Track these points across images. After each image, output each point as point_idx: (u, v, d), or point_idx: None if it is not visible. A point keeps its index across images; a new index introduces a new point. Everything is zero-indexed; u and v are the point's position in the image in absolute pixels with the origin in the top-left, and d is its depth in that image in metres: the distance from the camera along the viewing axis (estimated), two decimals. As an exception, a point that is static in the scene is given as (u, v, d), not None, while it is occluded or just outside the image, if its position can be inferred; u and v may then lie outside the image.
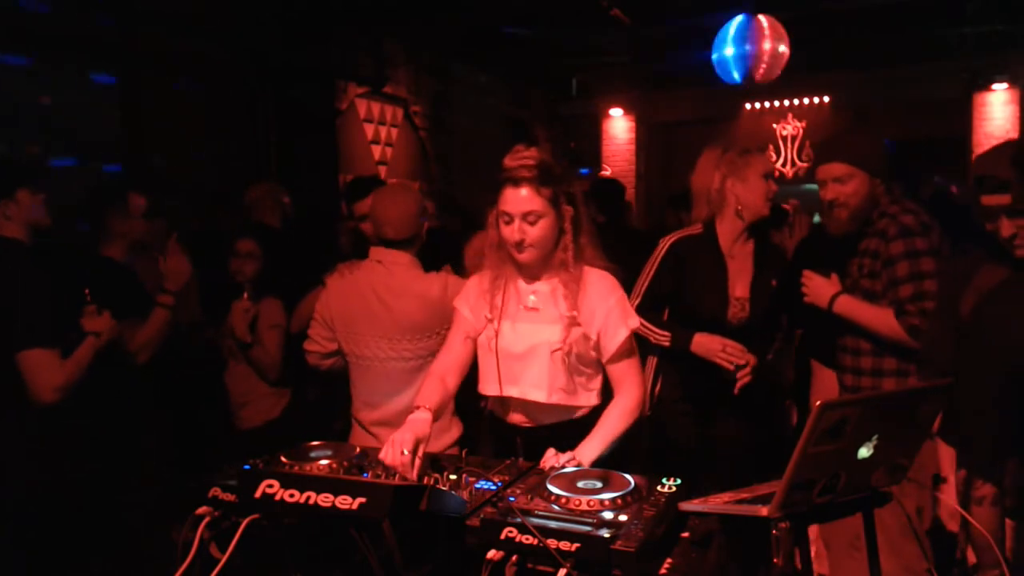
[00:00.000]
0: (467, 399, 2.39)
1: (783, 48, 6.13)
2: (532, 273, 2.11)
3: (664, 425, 2.76)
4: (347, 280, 2.61)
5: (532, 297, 2.09)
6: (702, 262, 2.68)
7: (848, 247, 2.57)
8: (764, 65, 6.03)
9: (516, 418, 2.14)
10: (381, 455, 1.72)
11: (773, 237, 3.34)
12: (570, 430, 2.04)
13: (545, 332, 2.05)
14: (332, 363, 2.68)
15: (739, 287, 2.67)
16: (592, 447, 1.95)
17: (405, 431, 1.77)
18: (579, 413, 2.11)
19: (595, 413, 2.09)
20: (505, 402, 2.13)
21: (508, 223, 2.02)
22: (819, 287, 2.53)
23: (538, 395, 2.06)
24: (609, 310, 2.06)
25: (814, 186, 2.65)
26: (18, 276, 2.36)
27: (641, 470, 1.68)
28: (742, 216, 2.67)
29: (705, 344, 2.59)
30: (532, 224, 1.99)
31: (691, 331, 2.62)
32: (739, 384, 2.55)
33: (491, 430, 2.26)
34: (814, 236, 3.74)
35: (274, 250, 3.59)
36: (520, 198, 1.98)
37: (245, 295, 3.24)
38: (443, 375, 2.11)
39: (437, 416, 1.97)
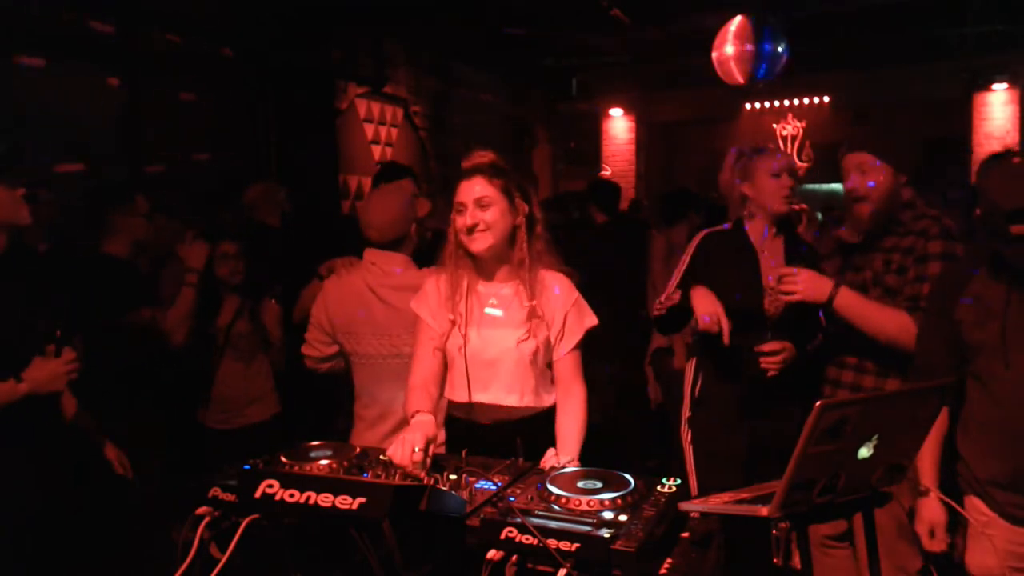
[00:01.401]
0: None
1: (782, 48, 6.14)
2: (489, 272, 2.14)
3: (704, 426, 2.76)
4: (344, 281, 2.63)
5: (493, 301, 2.13)
6: (732, 255, 2.70)
7: (863, 245, 2.53)
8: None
9: (481, 418, 2.14)
10: (390, 453, 1.73)
11: None
12: (533, 425, 2.09)
13: (511, 337, 2.08)
14: (330, 366, 2.69)
15: (774, 277, 2.67)
16: (572, 447, 2.01)
17: (414, 431, 1.79)
18: (542, 410, 2.14)
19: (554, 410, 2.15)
20: (472, 405, 2.14)
21: (461, 212, 2.07)
22: (815, 279, 2.39)
23: (510, 399, 2.10)
24: (567, 312, 2.12)
25: (815, 186, 2.65)
26: None
27: (676, 471, 1.68)
28: (762, 215, 2.70)
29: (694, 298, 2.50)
30: (484, 208, 2.05)
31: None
32: (766, 366, 2.52)
33: (450, 430, 2.23)
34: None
35: (274, 250, 3.60)
36: (472, 187, 2.07)
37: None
38: (425, 384, 2.12)
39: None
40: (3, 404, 2.09)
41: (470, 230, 2.05)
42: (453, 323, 2.12)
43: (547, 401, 2.15)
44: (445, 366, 2.17)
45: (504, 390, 2.10)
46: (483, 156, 2.12)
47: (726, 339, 2.35)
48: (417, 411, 1.96)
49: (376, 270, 2.57)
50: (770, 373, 2.53)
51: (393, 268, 2.57)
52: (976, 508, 2.02)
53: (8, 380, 2.10)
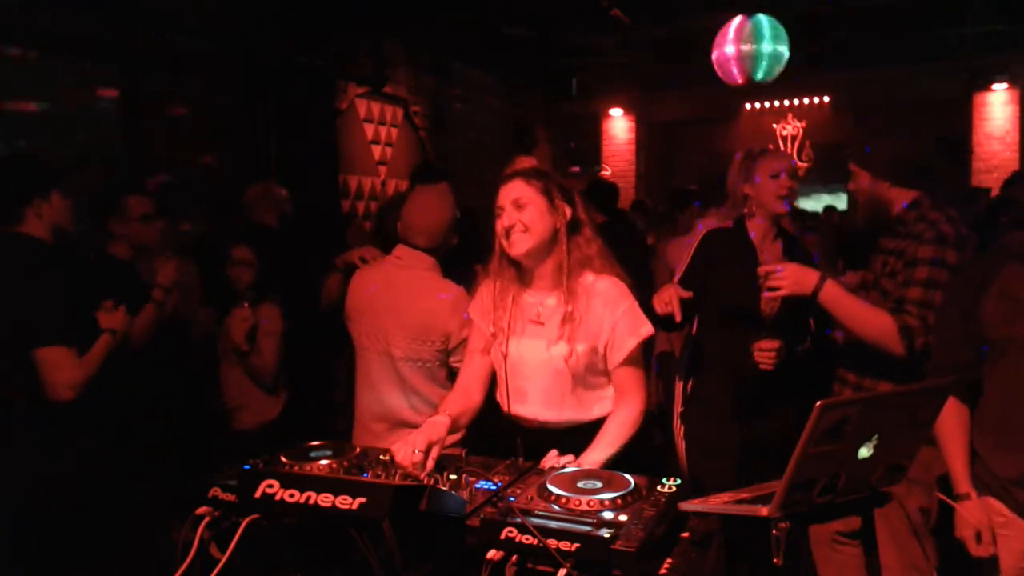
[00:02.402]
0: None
1: (782, 48, 6.14)
2: (533, 279, 2.09)
3: (696, 421, 2.76)
4: (365, 271, 2.67)
5: (538, 310, 2.07)
6: (733, 253, 2.72)
7: (864, 246, 2.58)
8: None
9: (531, 422, 2.12)
10: (393, 451, 1.74)
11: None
12: (585, 432, 2.02)
13: (553, 349, 2.03)
14: None
15: (760, 275, 2.68)
16: (595, 457, 1.93)
17: (419, 432, 1.79)
18: (594, 418, 2.08)
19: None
20: (514, 417, 2.13)
21: (499, 216, 2.04)
22: (800, 273, 2.34)
23: (548, 413, 2.06)
24: (617, 321, 2.02)
25: (814, 186, 2.67)
26: (39, 275, 2.38)
27: (669, 471, 1.67)
28: (763, 215, 2.72)
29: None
30: (520, 208, 2.00)
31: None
32: (759, 359, 2.51)
33: (504, 428, 2.22)
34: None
35: (272, 251, 3.59)
36: (510, 189, 2.03)
37: (246, 304, 3.27)
38: (467, 387, 2.13)
39: (457, 425, 1.99)
40: (106, 354, 2.46)
41: (508, 232, 2.00)
42: (495, 334, 2.10)
43: (597, 412, 2.07)
44: (493, 371, 2.16)
45: (542, 403, 2.06)
46: (524, 161, 2.12)
47: (677, 317, 2.28)
48: (437, 412, 1.96)
49: (400, 264, 2.56)
50: (763, 367, 2.52)
51: (416, 269, 2.55)
52: (994, 509, 1.98)
53: (101, 336, 2.48)
